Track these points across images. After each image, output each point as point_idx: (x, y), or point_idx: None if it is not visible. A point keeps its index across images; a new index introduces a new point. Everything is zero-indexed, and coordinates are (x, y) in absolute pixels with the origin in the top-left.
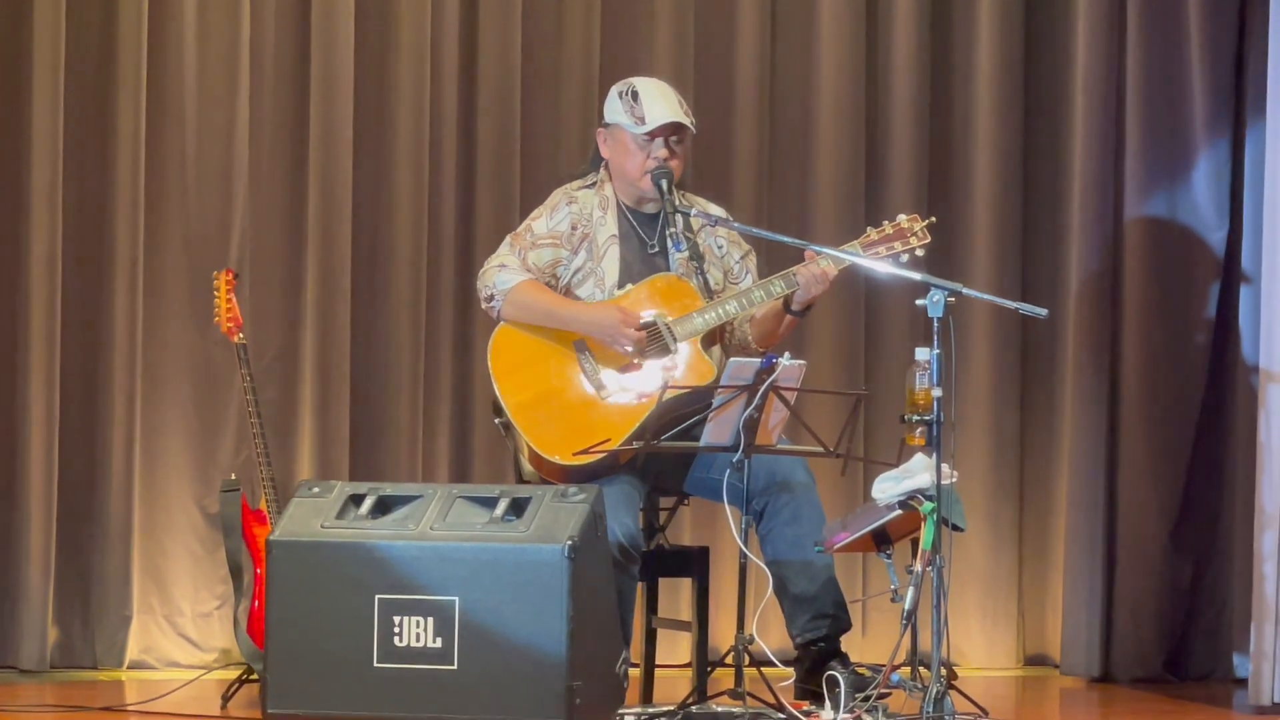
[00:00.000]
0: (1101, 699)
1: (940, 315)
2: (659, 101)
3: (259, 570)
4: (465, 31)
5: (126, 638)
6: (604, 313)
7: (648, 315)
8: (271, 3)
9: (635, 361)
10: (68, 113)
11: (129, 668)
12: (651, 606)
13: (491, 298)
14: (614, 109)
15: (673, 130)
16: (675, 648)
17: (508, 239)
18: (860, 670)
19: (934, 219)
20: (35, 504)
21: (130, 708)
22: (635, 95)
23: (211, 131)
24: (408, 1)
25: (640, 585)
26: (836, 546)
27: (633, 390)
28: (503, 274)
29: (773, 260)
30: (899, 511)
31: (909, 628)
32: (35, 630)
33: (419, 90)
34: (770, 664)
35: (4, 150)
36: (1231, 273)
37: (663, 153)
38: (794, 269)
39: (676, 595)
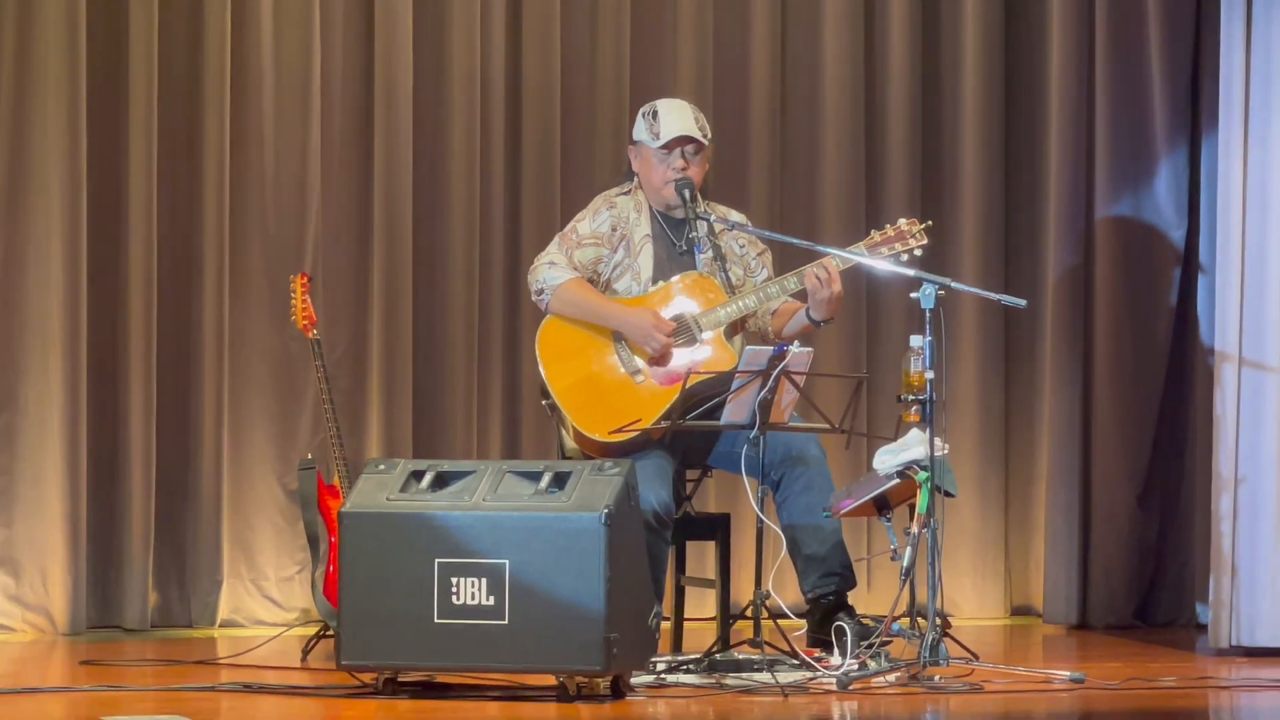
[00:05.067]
0: (1080, 643)
1: (932, 306)
2: (674, 118)
3: (333, 539)
4: (510, 58)
5: (218, 599)
6: (639, 315)
7: (676, 308)
8: (339, 35)
9: (664, 355)
10: (160, 136)
11: (220, 626)
12: (680, 567)
13: (541, 291)
14: (638, 128)
15: (686, 142)
16: (701, 603)
17: (556, 238)
18: (865, 621)
19: (930, 222)
20: (136, 482)
21: (221, 661)
22: (655, 114)
23: (287, 150)
24: (459, 31)
25: (671, 548)
26: (843, 512)
27: (664, 376)
28: (552, 271)
29: (786, 261)
30: (897, 480)
31: (907, 583)
32: (137, 594)
33: (470, 110)
34: (785, 616)
35: (104, 170)
36: (1190, 266)
37: (680, 163)
38: (804, 267)
39: (702, 557)
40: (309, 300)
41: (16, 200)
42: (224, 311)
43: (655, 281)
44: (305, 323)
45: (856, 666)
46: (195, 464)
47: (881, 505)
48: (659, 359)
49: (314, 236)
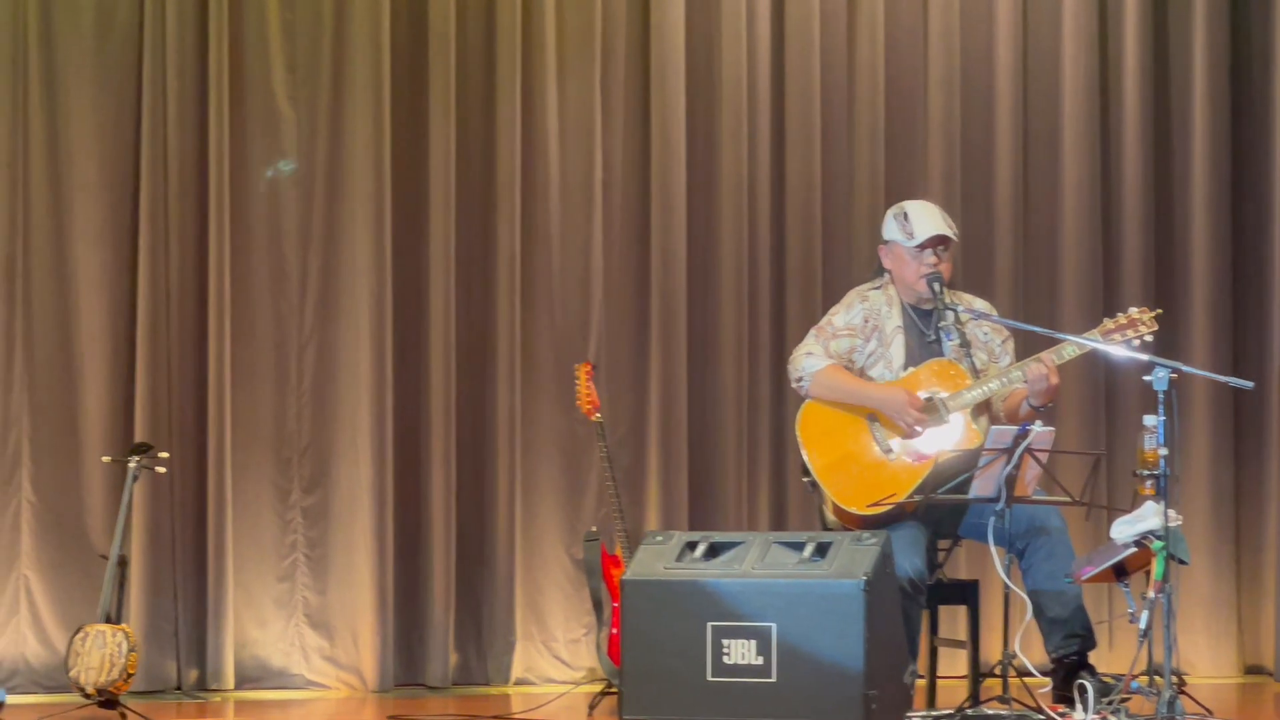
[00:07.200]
0: None
1: (1164, 388)
2: (925, 219)
3: (615, 604)
4: (775, 168)
5: (512, 659)
6: (893, 394)
7: (926, 392)
8: (618, 143)
9: (917, 430)
10: (457, 238)
11: (514, 684)
12: (934, 629)
13: (800, 379)
14: (890, 228)
15: (938, 241)
16: (954, 662)
17: (812, 331)
18: (1105, 679)
19: (1160, 310)
20: (438, 553)
21: (516, 716)
22: (906, 216)
23: (572, 249)
24: (728, 140)
25: (925, 612)
26: (1084, 578)
27: (915, 453)
28: (809, 360)
29: (1029, 347)
30: (1134, 549)
31: (1145, 643)
32: (439, 654)
33: (738, 212)
34: (1031, 675)
35: (407, 270)
36: None
37: (932, 260)
38: (1026, 363)
39: (954, 619)
40: (593, 386)
41: (329, 301)
42: (515, 397)
43: (906, 368)
44: (589, 407)
45: None
46: (491, 536)
47: (1120, 572)
48: (911, 435)
49: (597, 327)
